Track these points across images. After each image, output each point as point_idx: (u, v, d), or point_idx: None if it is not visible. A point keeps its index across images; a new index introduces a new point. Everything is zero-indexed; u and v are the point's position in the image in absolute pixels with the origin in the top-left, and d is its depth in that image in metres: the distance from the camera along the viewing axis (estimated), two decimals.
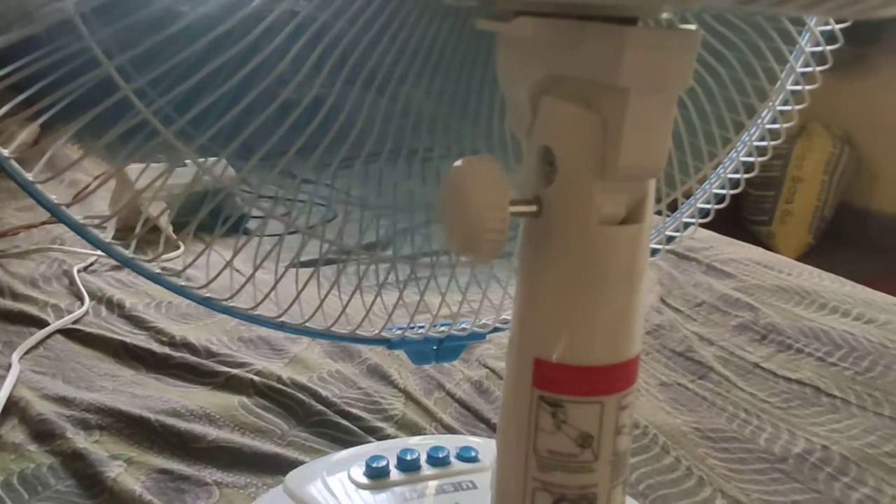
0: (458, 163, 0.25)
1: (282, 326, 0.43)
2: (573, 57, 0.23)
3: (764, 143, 0.47)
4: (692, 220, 0.49)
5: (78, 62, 0.30)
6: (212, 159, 0.35)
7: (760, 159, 0.47)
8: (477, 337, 0.48)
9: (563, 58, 0.23)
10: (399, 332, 0.46)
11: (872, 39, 2.08)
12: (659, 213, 0.48)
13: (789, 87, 0.45)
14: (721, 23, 0.40)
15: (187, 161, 0.34)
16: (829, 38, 0.44)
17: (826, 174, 2.20)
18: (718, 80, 0.43)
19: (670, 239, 0.50)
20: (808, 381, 0.68)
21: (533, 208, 0.25)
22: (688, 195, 0.48)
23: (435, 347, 0.48)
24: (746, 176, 0.48)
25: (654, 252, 0.50)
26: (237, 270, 0.38)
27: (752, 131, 0.46)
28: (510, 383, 0.27)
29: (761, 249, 1.03)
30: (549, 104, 0.24)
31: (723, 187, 0.48)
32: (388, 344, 0.47)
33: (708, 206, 0.49)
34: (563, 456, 0.26)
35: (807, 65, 0.45)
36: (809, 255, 2.09)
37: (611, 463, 0.26)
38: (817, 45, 0.44)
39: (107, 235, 0.35)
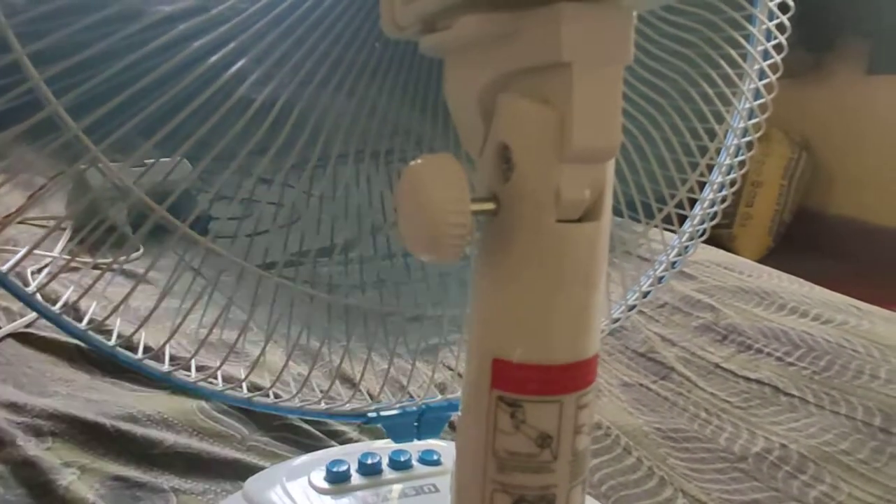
0: (416, 161, 0.25)
1: (251, 404, 0.44)
2: (517, 48, 0.23)
3: (742, 158, 0.48)
4: (691, 242, 0.50)
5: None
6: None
7: (741, 172, 0.48)
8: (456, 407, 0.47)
9: (508, 53, 0.23)
10: (375, 406, 0.46)
11: (828, 46, 2.14)
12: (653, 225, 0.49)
13: (749, 103, 0.46)
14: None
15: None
16: (778, 45, 0.45)
17: (785, 179, 2.25)
18: (686, 97, 0.43)
19: (673, 264, 0.50)
20: (768, 380, 0.69)
21: (491, 206, 0.25)
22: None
23: (416, 423, 0.47)
24: (732, 189, 0.48)
25: (660, 279, 0.51)
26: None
27: (729, 142, 0.47)
28: (469, 384, 0.27)
29: (722, 252, 1.04)
30: (503, 101, 0.24)
31: (713, 205, 0.49)
32: (365, 419, 0.46)
33: (703, 225, 0.50)
34: (522, 456, 0.26)
35: (762, 73, 0.45)
36: (769, 258, 2.13)
37: (570, 463, 0.26)
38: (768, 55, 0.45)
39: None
